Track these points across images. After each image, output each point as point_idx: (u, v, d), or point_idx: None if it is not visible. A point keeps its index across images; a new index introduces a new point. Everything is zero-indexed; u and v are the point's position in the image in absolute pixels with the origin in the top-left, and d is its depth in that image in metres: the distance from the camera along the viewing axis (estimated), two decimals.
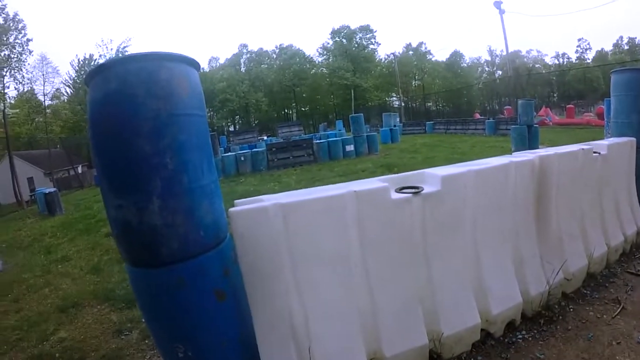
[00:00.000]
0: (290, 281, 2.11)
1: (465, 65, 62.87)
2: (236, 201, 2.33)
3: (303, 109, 61.58)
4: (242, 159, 15.42)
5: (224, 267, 2.10)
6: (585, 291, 3.19)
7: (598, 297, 3.10)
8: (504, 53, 39.67)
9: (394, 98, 60.35)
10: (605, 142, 3.88)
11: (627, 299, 3.01)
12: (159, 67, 1.91)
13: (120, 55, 42.59)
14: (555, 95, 56.76)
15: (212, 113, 52.26)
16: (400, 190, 2.43)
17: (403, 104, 56.94)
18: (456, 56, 61.97)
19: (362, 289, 2.25)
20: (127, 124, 1.84)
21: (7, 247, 9.04)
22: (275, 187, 10.82)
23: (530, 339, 2.66)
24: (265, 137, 30.49)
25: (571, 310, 2.96)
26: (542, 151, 3.29)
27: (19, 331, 4.01)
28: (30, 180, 27.05)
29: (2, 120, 21.93)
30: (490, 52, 62.16)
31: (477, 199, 2.58)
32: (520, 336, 2.68)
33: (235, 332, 2.15)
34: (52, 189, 15.15)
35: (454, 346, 2.47)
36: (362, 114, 18.76)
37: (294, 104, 61.52)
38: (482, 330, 2.62)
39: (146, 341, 3.32)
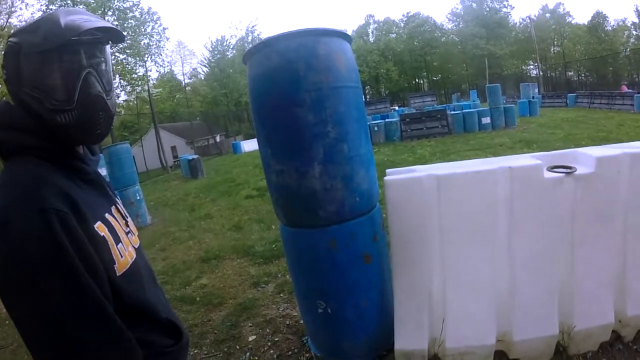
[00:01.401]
0: (435, 252, 2.16)
1: (610, 28, 53.12)
2: (388, 170, 2.42)
3: (434, 79, 59.10)
4: (376, 129, 15.35)
5: (373, 233, 2.25)
6: None
7: None
8: None
9: (532, 66, 54.50)
10: None
11: None
12: (317, 42, 2.06)
13: (251, 34, 46.18)
14: None
15: None
16: (552, 169, 2.26)
17: (541, 73, 50.96)
18: (599, 18, 52.48)
19: (504, 269, 2.20)
20: (290, 96, 2.04)
21: (155, 205, 10.26)
22: (410, 158, 10.70)
23: None
24: (397, 107, 30.06)
25: None
26: None
27: (165, 276, 4.57)
28: (174, 148, 30.88)
29: (148, 99, 25.47)
30: (639, 12, 51.62)
31: (632, 186, 2.32)
32: None
33: (375, 295, 2.31)
34: (195, 156, 17.00)
35: (582, 343, 2.31)
36: (499, 84, 17.28)
37: (424, 74, 59.35)
38: (613, 332, 2.40)
39: (281, 294, 3.59)
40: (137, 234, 1.04)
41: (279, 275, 4.04)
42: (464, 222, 2.13)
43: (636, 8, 51.89)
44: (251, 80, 2.22)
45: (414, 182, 2.12)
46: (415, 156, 10.91)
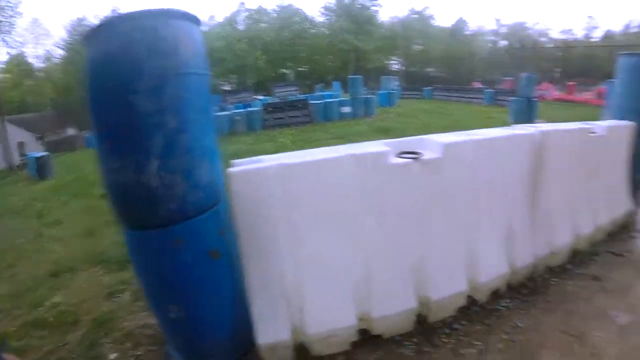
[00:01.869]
0: (286, 242, 2.15)
1: (469, 33, 61.56)
2: (234, 161, 2.33)
3: (300, 69, 60.11)
4: (238, 118, 15.33)
5: (219, 228, 2.13)
6: (569, 267, 3.28)
7: (580, 273, 3.20)
8: (510, 23, 38.73)
9: (394, 62, 59.48)
10: (605, 123, 3.88)
11: (607, 278, 3.11)
12: (163, 24, 1.88)
13: (115, 14, 41.52)
14: (558, 71, 56.18)
15: None
16: (400, 154, 2.43)
17: (403, 68, 56.17)
18: (460, 23, 60.57)
19: (357, 252, 2.30)
20: (128, 82, 1.82)
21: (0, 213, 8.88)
22: (271, 146, 10.76)
23: (512, 307, 2.75)
24: (260, 97, 30.00)
25: (553, 283, 3.05)
26: (543, 126, 3.31)
27: (14, 298, 3.98)
28: (21, 144, 26.72)
29: None
30: (496, 21, 61.13)
31: (476, 169, 2.60)
32: (503, 304, 2.78)
33: (228, 291, 2.21)
34: (44, 153, 14.97)
35: (440, 310, 2.57)
36: (361, 76, 18.40)
37: (291, 64, 60.18)
38: (468, 296, 2.72)
39: (137, 303, 3.35)
40: None
41: (134, 281, 3.68)
42: (313, 210, 2.17)
43: (495, 18, 60.47)
44: (89, 64, 1.93)
45: (259, 172, 2.08)
46: (277, 144, 11.10)
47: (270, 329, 2.20)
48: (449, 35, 59.58)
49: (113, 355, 2.72)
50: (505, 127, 3.35)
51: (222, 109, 19.82)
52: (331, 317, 2.27)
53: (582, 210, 3.51)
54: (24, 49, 36.72)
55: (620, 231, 3.99)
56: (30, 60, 38.97)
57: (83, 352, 2.83)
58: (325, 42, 56.41)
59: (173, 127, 1.88)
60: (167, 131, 1.87)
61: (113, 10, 40.03)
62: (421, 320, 2.56)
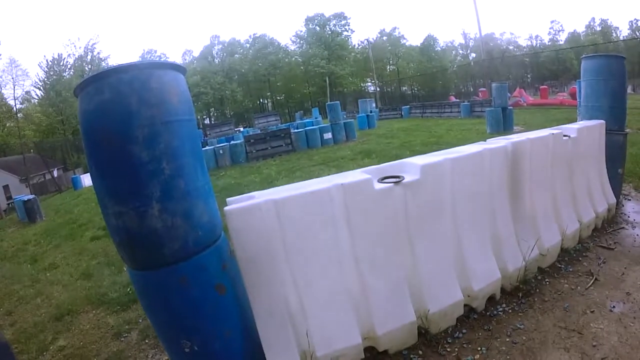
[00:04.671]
0: (285, 271, 2.25)
1: (440, 49, 63.40)
2: (228, 199, 2.44)
3: (279, 98, 61.07)
4: (221, 152, 15.29)
5: (222, 262, 2.21)
6: (560, 265, 3.39)
7: (572, 270, 3.31)
8: (478, 36, 40.13)
9: (369, 84, 60.69)
10: (575, 125, 4.07)
11: (600, 271, 3.23)
12: (150, 75, 1.97)
13: (90, 53, 41.66)
14: (529, 76, 57.85)
15: None
16: (382, 180, 2.57)
17: (378, 89, 57.35)
18: (430, 40, 62.36)
19: (353, 274, 2.40)
20: (122, 133, 1.91)
21: None
22: (256, 178, 10.80)
23: (510, 311, 2.85)
24: (242, 129, 30.19)
25: (547, 283, 3.16)
26: (515, 137, 3.46)
27: (17, 344, 3.93)
28: (6, 188, 26.22)
29: None
30: (464, 35, 63.07)
31: (455, 185, 2.75)
32: (500, 309, 2.87)
33: (237, 322, 2.27)
34: (31, 196, 14.75)
35: (440, 321, 2.66)
36: (338, 102, 18.66)
37: (269, 94, 60.95)
38: (465, 305, 2.81)
39: (146, 341, 3.36)
40: None
41: (140, 321, 3.75)
42: (308, 238, 2.28)
43: (463, 31, 62.28)
44: (82, 116, 2.01)
45: (253, 209, 2.18)
46: (262, 176, 11.15)
47: (279, 356, 2.25)
48: (419, 52, 61.57)
49: None
50: (479, 142, 3.49)
51: (205, 144, 19.90)
52: (337, 337, 2.34)
53: (566, 209, 3.65)
54: (2, 91, 36.56)
55: (606, 225, 4.14)
56: (10, 102, 38.65)
57: None
58: (300, 70, 57.46)
59: (169, 174, 1.97)
60: (164, 177, 1.96)
61: (85, 49, 40.11)
62: (424, 332, 2.64)
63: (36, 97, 42.00)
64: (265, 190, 2.62)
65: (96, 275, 5.57)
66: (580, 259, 3.50)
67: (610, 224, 4.19)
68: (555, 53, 51.43)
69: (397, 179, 2.53)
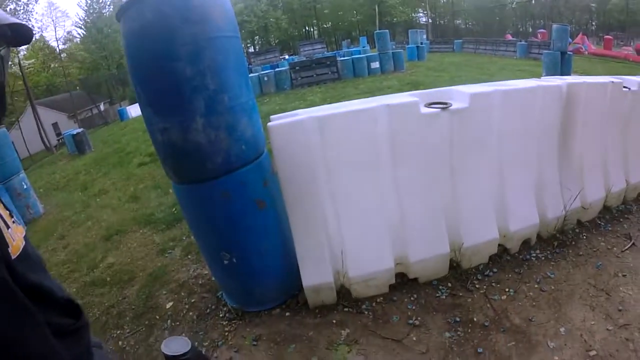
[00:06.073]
0: (324, 189, 2.27)
1: None
2: (272, 116, 2.44)
3: (325, 26, 58.28)
4: (266, 79, 15.14)
5: (263, 179, 2.28)
6: (599, 222, 3.24)
7: (611, 229, 3.16)
8: None
9: (421, 14, 57.06)
10: (638, 78, 3.67)
11: (639, 237, 3.05)
12: None
13: None
14: (594, 23, 52.43)
15: None
16: (429, 105, 2.47)
17: (430, 21, 53.78)
18: None
19: (392, 199, 2.39)
20: (166, 51, 1.93)
21: (45, 191, 9.19)
22: (301, 105, 10.67)
23: (543, 258, 2.79)
24: (286, 56, 29.51)
25: (584, 237, 3.04)
26: (571, 78, 3.21)
27: (69, 264, 4.26)
28: (55, 125, 27.46)
29: (20, 73, 21.98)
30: None
31: (504, 119, 2.61)
32: (534, 255, 2.82)
33: (275, 238, 2.38)
34: (79, 129, 15.36)
35: (472, 257, 2.66)
36: (387, 31, 17.68)
37: (315, 22, 58.52)
38: (499, 245, 2.78)
39: (189, 256, 3.56)
40: (22, 225, 0.95)
41: (184, 238, 3.97)
42: (349, 158, 2.26)
43: None
44: (125, 38, 2.06)
45: (296, 125, 2.18)
46: (306, 103, 10.92)
47: (314, 272, 2.36)
48: None
49: (169, 305, 2.93)
50: (534, 79, 3.26)
51: (250, 71, 19.78)
52: (370, 260, 2.41)
53: (615, 166, 3.41)
54: (44, 33, 37.38)
55: None
56: (52, 43, 39.66)
57: (141, 303, 3.06)
58: None
59: (213, 89, 2.00)
60: (208, 92, 1.99)
61: None
62: (455, 266, 2.66)
63: (78, 36, 42.76)
64: (310, 109, 2.58)
65: (143, 198, 5.86)
66: (621, 220, 3.31)
67: None
68: (627, 1, 46.22)
69: (445, 105, 2.42)
